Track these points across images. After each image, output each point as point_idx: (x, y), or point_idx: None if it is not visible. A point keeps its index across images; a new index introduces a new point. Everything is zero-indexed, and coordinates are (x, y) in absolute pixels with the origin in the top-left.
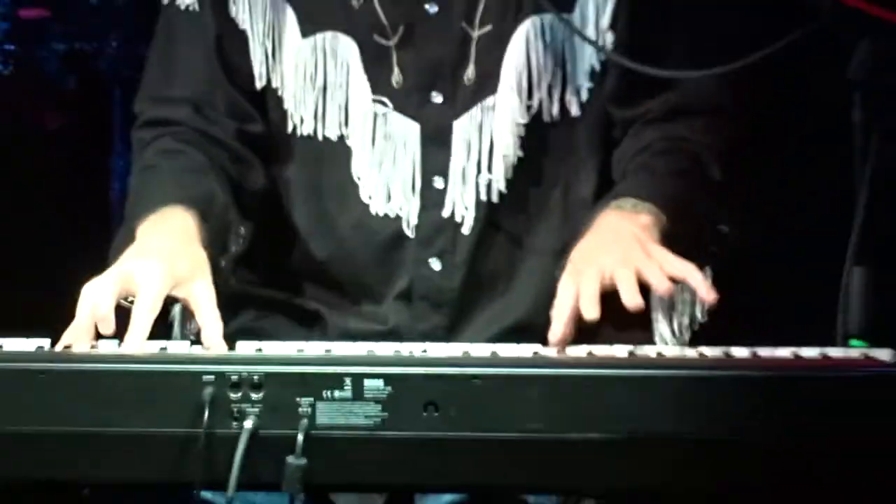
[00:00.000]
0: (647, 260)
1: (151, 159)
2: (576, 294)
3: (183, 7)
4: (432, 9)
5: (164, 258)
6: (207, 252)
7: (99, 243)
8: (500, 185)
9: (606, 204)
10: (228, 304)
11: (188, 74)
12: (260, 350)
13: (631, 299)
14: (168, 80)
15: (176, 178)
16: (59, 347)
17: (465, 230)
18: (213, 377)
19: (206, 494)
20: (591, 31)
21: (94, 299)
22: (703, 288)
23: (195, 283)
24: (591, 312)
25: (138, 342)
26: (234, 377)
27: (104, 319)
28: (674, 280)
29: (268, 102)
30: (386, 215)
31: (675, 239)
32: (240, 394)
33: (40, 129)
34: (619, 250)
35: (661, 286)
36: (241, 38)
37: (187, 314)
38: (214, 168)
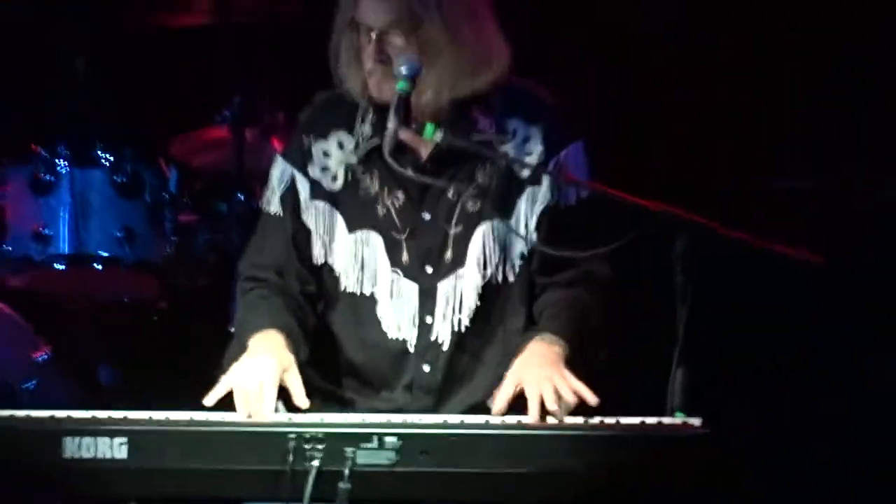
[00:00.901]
0: (562, 381)
1: (253, 302)
2: (515, 391)
3: (272, 213)
4: (426, 217)
5: (274, 357)
6: (294, 357)
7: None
8: (465, 322)
9: (534, 336)
10: (309, 396)
11: (273, 253)
12: (322, 419)
13: (551, 408)
14: (261, 254)
15: (270, 314)
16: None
17: (444, 348)
18: (295, 435)
19: None
20: (522, 231)
21: (248, 388)
22: (590, 397)
23: (290, 374)
24: (536, 416)
25: (269, 410)
26: (307, 435)
27: (257, 412)
28: (576, 393)
29: (324, 273)
30: (397, 339)
31: (573, 359)
32: (310, 445)
33: (194, 285)
34: (548, 371)
35: (569, 400)
36: (307, 233)
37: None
38: (289, 311)
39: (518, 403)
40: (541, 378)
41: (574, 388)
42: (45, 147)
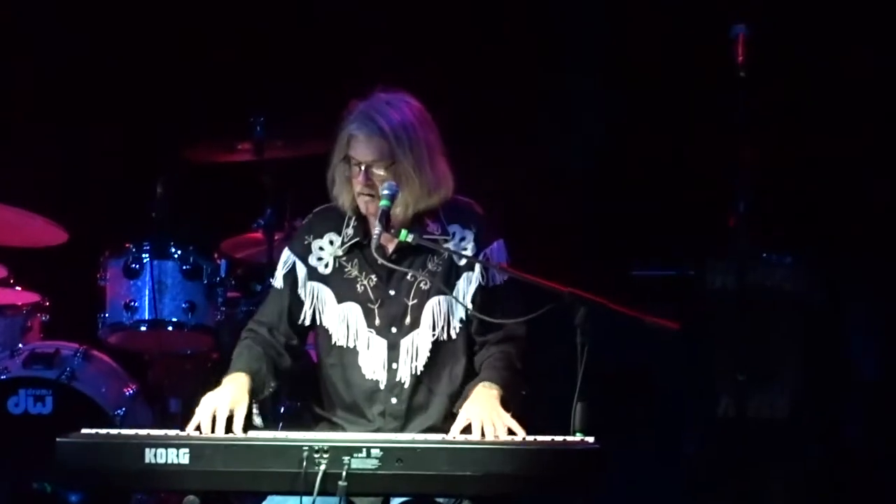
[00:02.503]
0: (498, 419)
1: (240, 349)
2: (466, 423)
3: (276, 286)
4: (392, 293)
5: (232, 393)
6: (249, 393)
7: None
8: (420, 368)
9: (478, 383)
10: (313, 421)
11: (270, 315)
12: (326, 437)
13: (490, 437)
14: (263, 315)
15: (246, 360)
16: (189, 430)
17: (406, 386)
18: (307, 448)
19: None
20: (461, 299)
21: (206, 413)
22: (518, 430)
23: (238, 407)
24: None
25: (221, 428)
26: (316, 447)
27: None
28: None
29: (320, 332)
30: (372, 379)
31: (506, 399)
32: (318, 454)
33: (236, 342)
34: (488, 412)
35: (501, 434)
36: (301, 304)
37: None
38: (266, 357)
39: (467, 431)
40: (483, 416)
41: (507, 424)
42: (134, 245)
